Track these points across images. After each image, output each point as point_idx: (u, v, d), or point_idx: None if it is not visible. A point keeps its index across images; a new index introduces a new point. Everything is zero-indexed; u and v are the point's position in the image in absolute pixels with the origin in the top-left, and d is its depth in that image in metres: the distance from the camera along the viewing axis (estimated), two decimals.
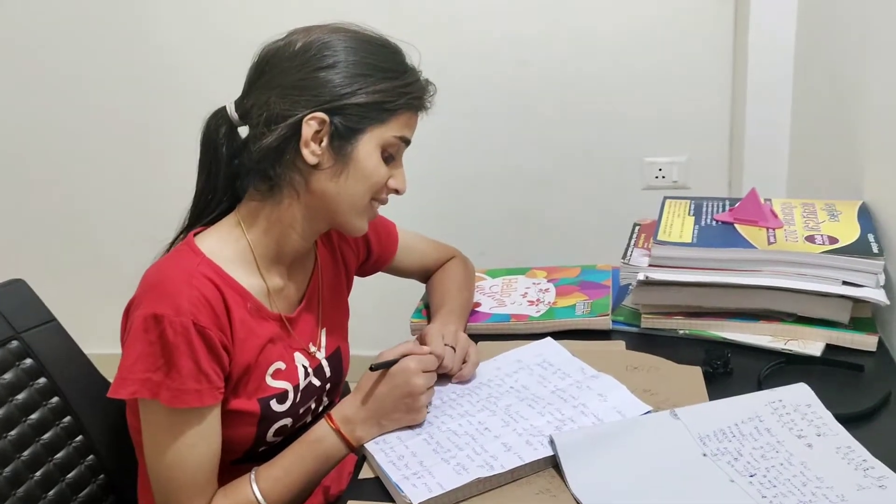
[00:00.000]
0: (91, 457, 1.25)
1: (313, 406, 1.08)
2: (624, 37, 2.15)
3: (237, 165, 1.01)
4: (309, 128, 0.94)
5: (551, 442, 0.93)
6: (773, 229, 1.17)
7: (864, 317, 1.12)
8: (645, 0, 2.11)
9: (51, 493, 1.20)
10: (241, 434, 0.98)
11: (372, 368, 1.00)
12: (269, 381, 1.00)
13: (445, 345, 1.05)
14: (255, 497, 0.94)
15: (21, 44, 2.39)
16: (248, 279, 0.98)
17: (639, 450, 0.92)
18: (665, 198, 1.33)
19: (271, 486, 0.95)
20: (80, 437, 1.24)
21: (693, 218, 1.24)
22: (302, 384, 1.04)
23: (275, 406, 1.00)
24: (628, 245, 1.27)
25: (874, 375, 1.06)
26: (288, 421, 1.03)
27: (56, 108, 2.44)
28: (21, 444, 1.17)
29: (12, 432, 1.17)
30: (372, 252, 1.20)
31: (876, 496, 0.82)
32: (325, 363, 1.08)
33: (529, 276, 1.40)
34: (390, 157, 1.00)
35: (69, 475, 1.22)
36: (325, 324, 1.10)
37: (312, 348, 1.07)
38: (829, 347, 1.11)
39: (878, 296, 1.07)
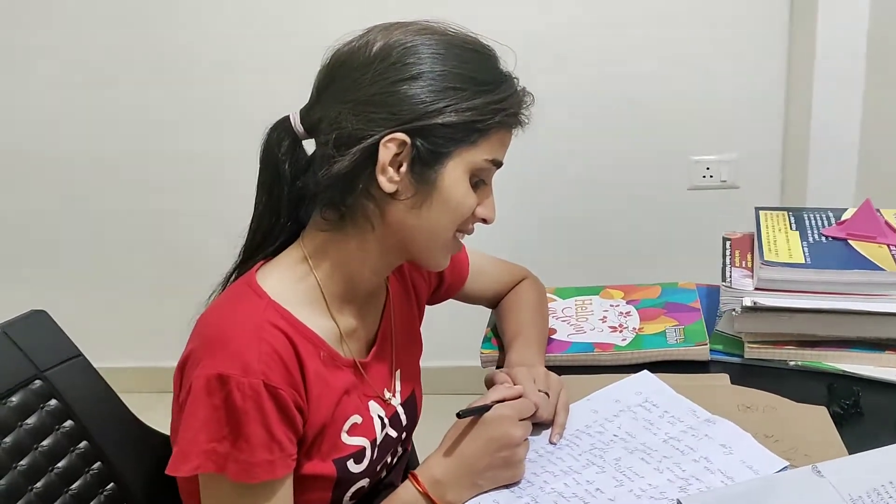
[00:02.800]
0: None
1: (389, 460, 0.95)
2: (666, 25, 2.01)
3: (301, 188, 0.87)
4: (387, 151, 0.79)
5: None
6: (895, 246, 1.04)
7: None
8: None
9: None
10: (315, 500, 0.85)
11: (460, 416, 0.87)
12: (345, 438, 0.86)
13: (538, 391, 0.92)
14: None
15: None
16: (319, 322, 0.85)
17: None
18: (757, 209, 1.19)
19: None
20: (111, 485, 1.13)
21: (797, 233, 1.11)
22: (379, 438, 0.90)
23: (352, 467, 0.87)
24: (724, 264, 1.14)
25: None
26: (365, 482, 0.89)
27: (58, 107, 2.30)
28: (49, 497, 1.06)
29: (39, 483, 1.06)
30: (444, 279, 1.07)
31: None
32: (400, 410, 0.95)
33: (604, 296, 1.26)
34: (480, 181, 0.86)
35: None
36: (399, 365, 0.96)
37: (387, 395, 0.93)
38: None
39: None
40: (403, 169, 0.80)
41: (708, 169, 2.14)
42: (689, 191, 2.17)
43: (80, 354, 1.12)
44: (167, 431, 0.99)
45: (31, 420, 1.07)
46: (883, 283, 1.00)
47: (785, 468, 0.85)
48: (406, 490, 0.85)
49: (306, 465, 0.83)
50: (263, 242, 0.88)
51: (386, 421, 0.92)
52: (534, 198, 2.14)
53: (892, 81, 1.60)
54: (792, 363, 1.06)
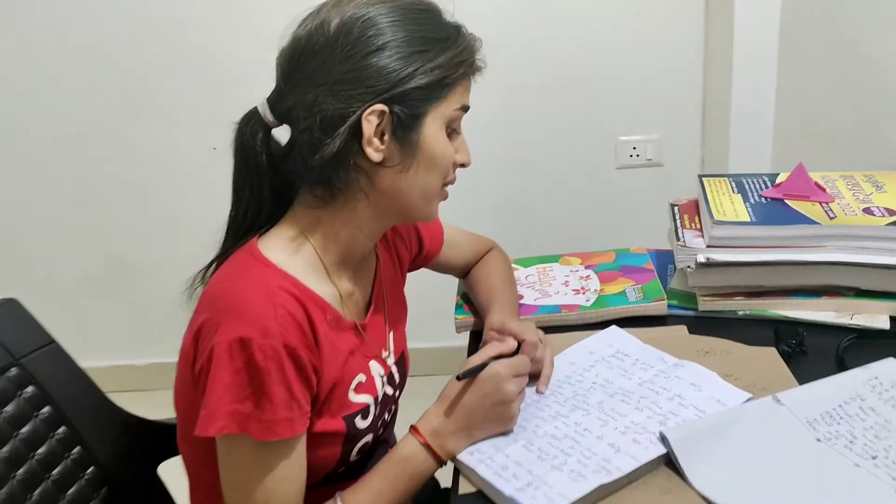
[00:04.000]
0: (105, 488, 1.14)
1: (386, 417, 0.99)
2: (594, 15, 2.11)
3: (284, 174, 0.89)
4: (369, 123, 0.83)
5: (662, 438, 0.88)
6: (827, 203, 1.16)
7: None
8: None
9: None
10: (326, 456, 0.89)
11: (459, 378, 0.92)
12: (352, 396, 0.91)
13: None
14: None
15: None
16: (322, 287, 0.89)
17: (752, 440, 0.89)
18: (700, 176, 1.29)
19: None
20: (91, 469, 1.14)
21: (739, 196, 1.21)
22: (380, 395, 0.95)
23: (359, 423, 0.91)
24: (675, 227, 1.23)
25: None
26: (370, 437, 0.94)
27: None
28: (32, 483, 1.06)
29: (20, 470, 1.07)
30: (423, 246, 1.12)
31: None
32: (394, 369, 1.00)
33: (563, 263, 1.34)
34: (453, 131, 0.91)
35: None
36: (392, 326, 1.01)
37: (384, 354, 0.98)
38: (893, 320, 1.10)
39: None
40: (387, 137, 0.85)
41: (635, 149, 2.26)
42: (617, 170, 2.29)
43: (54, 341, 1.13)
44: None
45: (9, 408, 1.07)
46: (818, 235, 1.11)
47: (749, 399, 0.95)
48: (408, 443, 0.90)
49: (318, 422, 0.87)
50: (251, 228, 0.90)
51: (385, 379, 0.97)
52: (480, 183, 2.22)
53: (802, 59, 1.74)
54: (741, 313, 1.16)
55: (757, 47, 1.86)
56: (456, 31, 0.88)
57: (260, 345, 0.78)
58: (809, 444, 0.88)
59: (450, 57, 0.85)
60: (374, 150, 0.84)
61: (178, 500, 1.19)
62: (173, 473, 1.16)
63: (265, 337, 0.79)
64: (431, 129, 0.86)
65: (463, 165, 0.93)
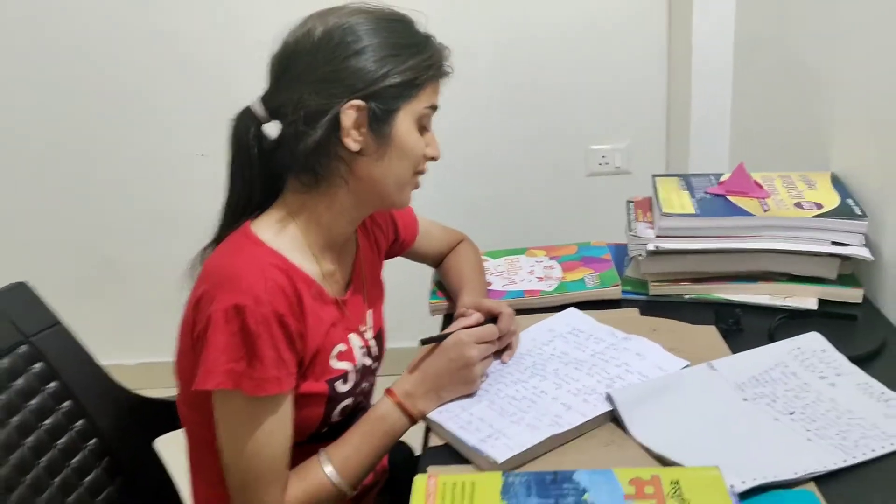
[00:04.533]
0: (106, 459, 1.23)
1: (365, 385, 1.10)
2: (565, 28, 2.25)
3: (274, 165, 1.01)
4: (348, 117, 0.95)
5: (608, 398, 1.00)
6: (763, 199, 1.29)
7: (847, 273, 1.25)
8: None
9: (71, 498, 1.18)
10: (311, 415, 1.00)
11: (423, 342, 1.04)
12: (334, 362, 1.02)
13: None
14: (329, 477, 0.96)
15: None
16: (307, 265, 1.00)
17: (687, 399, 1.01)
18: (654, 176, 1.42)
19: (342, 465, 0.98)
20: (94, 440, 1.23)
21: (687, 192, 1.34)
22: (359, 364, 1.06)
23: (339, 387, 1.02)
24: (629, 220, 1.36)
25: (864, 323, 1.19)
26: (350, 401, 1.05)
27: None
28: (40, 451, 1.15)
29: (29, 438, 1.15)
30: (399, 235, 1.24)
31: None
32: (372, 343, 1.11)
33: (529, 255, 1.46)
34: (423, 127, 1.02)
35: (87, 479, 1.21)
36: (370, 305, 1.13)
37: (363, 328, 1.09)
38: (821, 302, 1.23)
39: (864, 253, 1.20)
40: (364, 129, 0.96)
41: (604, 157, 2.39)
42: (587, 177, 2.42)
43: (60, 322, 1.22)
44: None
45: (19, 381, 1.15)
46: (754, 226, 1.24)
47: (687, 366, 1.07)
48: (383, 403, 1.02)
49: (303, 385, 0.98)
50: (243, 213, 1.02)
51: (364, 351, 1.08)
52: (455, 187, 2.34)
53: (754, 74, 1.89)
54: (687, 296, 1.28)
55: (714, 64, 2.00)
56: (426, 39, 1.01)
57: (252, 312, 0.89)
58: (737, 403, 1.00)
59: (420, 61, 0.98)
60: (353, 141, 0.96)
61: (173, 472, 1.29)
62: (169, 447, 1.27)
63: (257, 305, 0.90)
64: (403, 123, 0.99)
65: (433, 159, 1.05)
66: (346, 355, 1.04)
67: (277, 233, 1.00)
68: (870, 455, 0.89)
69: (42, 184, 2.41)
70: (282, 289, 0.93)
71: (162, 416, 1.27)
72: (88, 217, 2.44)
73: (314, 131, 0.94)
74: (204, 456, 1.04)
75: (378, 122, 0.97)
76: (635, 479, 0.79)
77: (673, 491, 0.77)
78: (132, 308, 2.55)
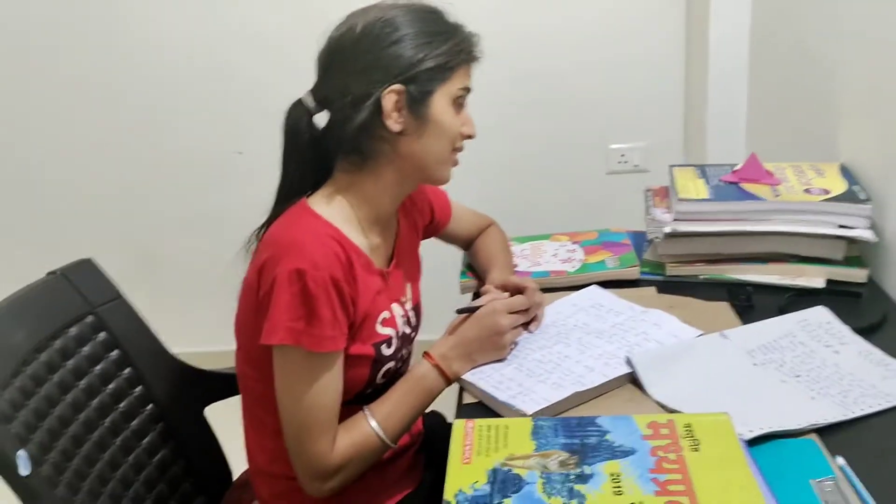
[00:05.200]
0: (161, 423, 1.33)
1: (404, 352, 1.20)
2: (586, 31, 2.35)
3: (323, 149, 1.11)
4: (388, 100, 1.05)
5: (628, 361, 1.09)
6: (775, 185, 1.37)
7: (853, 255, 1.33)
8: None
9: (129, 457, 1.28)
10: (358, 375, 1.10)
11: (458, 312, 1.13)
12: (379, 328, 1.11)
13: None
14: (374, 430, 1.06)
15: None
16: (357, 237, 1.10)
17: (701, 363, 1.09)
18: (671, 166, 1.51)
19: (385, 420, 1.08)
20: (150, 406, 1.33)
21: (703, 180, 1.43)
22: (400, 331, 1.16)
23: (384, 350, 1.12)
24: (647, 206, 1.45)
25: (868, 300, 1.27)
26: (392, 364, 1.15)
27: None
28: (103, 412, 1.26)
29: (94, 401, 1.25)
30: (434, 217, 1.34)
31: None
32: (411, 313, 1.21)
33: (553, 240, 1.56)
34: (459, 107, 1.12)
35: (144, 441, 1.31)
36: (408, 279, 1.22)
37: (403, 299, 1.19)
38: (828, 281, 1.31)
39: (868, 235, 1.28)
40: (404, 111, 1.06)
41: (623, 156, 2.48)
42: (607, 175, 2.51)
43: (121, 296, 1.33)
44: None
45: (86, 349, 1.26)
46: (766, 209, 1.32)
47: (701, 335, 1.16)
48: (422, 365, 1.12)
49: (352, 346, 1.07)
50: (296, 195, 1.11)
51: (404, 320, 1.18)
52: (485, 184, 2.41)
53: (767, 75, 1.97)
54: (702, 277, 1.37)
55: (730, 64, 2.09)
56: (456, 27, 1.11)
57: (312, 276, 0.99)
58: (747, 367, 1.09)
59: (451, 46, 1.08)
60: (394, 122, 1.06)
61: (221, 438, 1.39)
62: (218, 416, 1.37)
63: (316, 269, 1.00)
64: (439, 104, 1.08)
65: (469, 137, 1.14)
66: (390, 322, 1.14)
67: (331, 207, 1.10)
68: (867, 410, 0.97)
69: (87, 182, 2.54)
70: (337, 256, 1.02)
71: (213, 386, 1.38)
72: (133, 213, 2.57)
73: (359, 115, 1.05)
74: (259, 410, 1.14)
75: (416, 103, 1.06)
76: (652, 422, 0.88)
77: (686, 433, 0.86)
78: (170, 300, 2.66)
